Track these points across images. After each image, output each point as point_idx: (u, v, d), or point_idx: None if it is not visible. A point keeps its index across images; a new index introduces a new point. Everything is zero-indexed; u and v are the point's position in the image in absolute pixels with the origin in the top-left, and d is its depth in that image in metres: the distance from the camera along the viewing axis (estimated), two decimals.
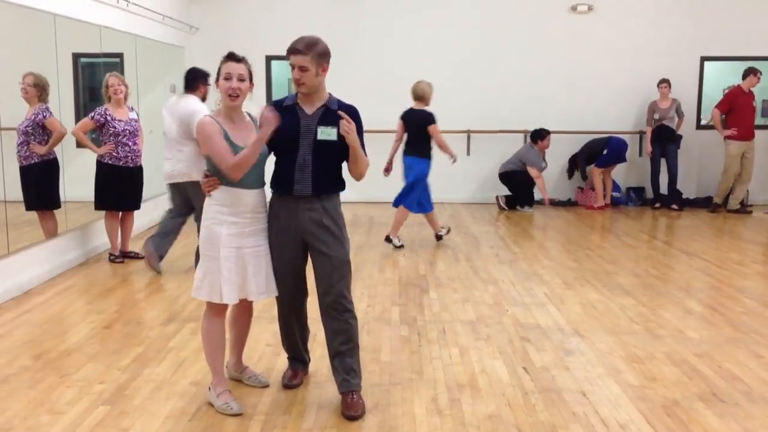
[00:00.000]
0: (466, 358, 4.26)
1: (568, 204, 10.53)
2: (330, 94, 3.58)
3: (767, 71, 9.56)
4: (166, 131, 6.07)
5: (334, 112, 3.48)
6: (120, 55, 8.01)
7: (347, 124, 3.38)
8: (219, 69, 3.45)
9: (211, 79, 4.55)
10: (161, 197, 8.98)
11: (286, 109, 3.52)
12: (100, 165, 6.53)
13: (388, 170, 7.55)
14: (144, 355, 4.26)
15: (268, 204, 3.61)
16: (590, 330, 4.78)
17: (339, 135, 3.46)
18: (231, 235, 3.42)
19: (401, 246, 7.44)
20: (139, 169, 6.78)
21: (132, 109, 6.77)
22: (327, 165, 3.52)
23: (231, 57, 3.47)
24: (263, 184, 3.55)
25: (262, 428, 3.32)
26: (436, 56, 10.39)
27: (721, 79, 10.98)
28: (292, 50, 3.42)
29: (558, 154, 10.57)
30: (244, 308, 3.74)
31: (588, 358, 4.27)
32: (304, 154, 3.47)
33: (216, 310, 3.53)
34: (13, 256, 5.60)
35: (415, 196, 7.40)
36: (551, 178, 10.64)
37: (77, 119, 6.81)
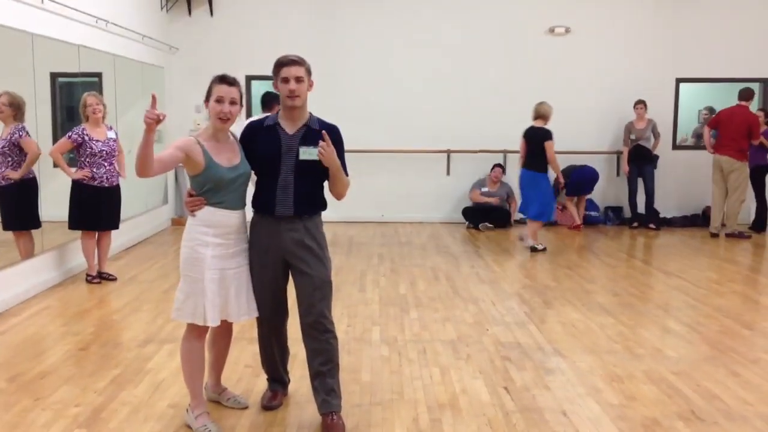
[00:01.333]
0: (446, 377, 4.25)
1: (548, 223, 10.58)
2: (310, 113, 3.57)
3: (737, 92, 9.64)
4: None
5: (315, 131, 3.46)
6: (99, 75, 7.97)
7: (325, 147, 3.36)
8: (210, 89, 3.42)
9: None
10: (141, 216, 8.93)
11: (266, 130, 3.51)
12: (76, 184, 6.45)
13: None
14: (121, 377, 4.20)
15: (249, 224, 3.60)
16: (570, 349, 4.79)
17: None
18: (215, 257, 3.39)
19: (544, 249, 8.30)
20: (116, 189, 6.68)
21: (111, 128, 6.69)
22: (309, 185, 3.50)
23: (224, 80, 3.42)
24: (245, 204, 3.53)
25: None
26: (415, 76, 10.46)
27: (696, 99, 11.17)
28: (287, 62, 3.41)
29: None
30: (224, 330, 3.68)
31: (568, 377, 4.27)
32: (287, 175, 3.45)
33: (197, 332, 3.49)
34: None
35: (537, 206, 8.23)
36: None
37: (55, 139, 6.77)
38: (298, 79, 3.40)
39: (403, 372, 4.33)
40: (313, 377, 3.56)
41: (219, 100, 3.37)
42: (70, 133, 6.38)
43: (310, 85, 3.49)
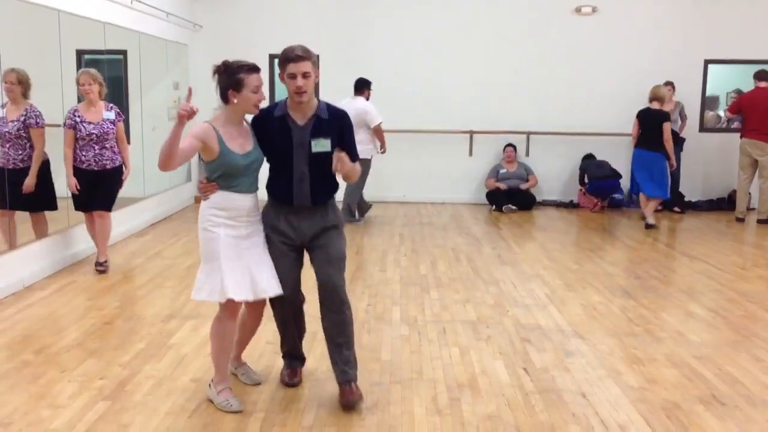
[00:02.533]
0: (466, 358, 4.26)
1: (570, 206, 10.52)
2: (318, 100, 3.55)
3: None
4: None
5: (326, 121, 3.48)
6: (124, 52, 8.01)
7: (341, 163, 3.40)
8: (240, 80, 3.38)
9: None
10: (165, 193, 9.00)
11: (276, 120, 3.50)
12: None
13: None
14: (145, 352, 4.27)
15: (261, 208, 3.63)
16: (591, 331, 4.78)
17: (332, 144, 3.48)
18: (228, 236, 3.45)
19: (654, 225, 8.66)
20: (107, 173, 6.16)
21: (111, 107, 6.20)
22: (324, 174, 3.53)
23: (256, 69, 3.43)
24: (257, 189, 3.58)
25: (261, 426, 3.33)
26: (438, 57, 10.38)
27: (725, 82, 10.97)
28: (294, 58, 3.35)
29: (560, 155, 10.58)
30: (255, 311, 3.72)
31: (588, 359, 4.26)
32: (301, 167, 3.49)
33: (229, 311, 3.51)
34: (14, 252, 5.61)
35: (656, 185, 8.67)
36: (554, 179, 10.64)
37: None
38: (305, 75, 3.36)
39: (422, 352, 4.35)
40: (331, 351, 3.61)
41: (256, 90, 3.40)
42: (65, 121, 6.04)
43: (316, 76, 3.44)
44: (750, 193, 9.49)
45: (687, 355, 4.34)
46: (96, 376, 3.88)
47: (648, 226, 8.68)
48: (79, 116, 6.00)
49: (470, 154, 10.66)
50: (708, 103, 10.79)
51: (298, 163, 3.48)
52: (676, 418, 3.46)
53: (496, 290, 5.79)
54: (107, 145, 6.12)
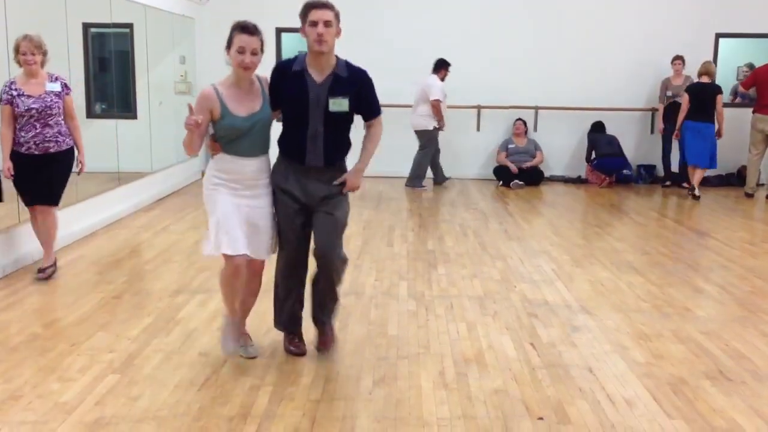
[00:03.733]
0: (473, 333, 4.27)
1: (578, 181, 10.48)
2: (338, 57, 3.52)
3: None
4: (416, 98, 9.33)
5: (343, 79, 3.46)
6: (130, 26, 7.98)
7: (348, 188, 3.59)
8: (231, 37, 3.41)
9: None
10: (173, 168, 8.99)
11: (294, 75, 3.47)
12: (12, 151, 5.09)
13: (677, 136, 9.49)
14: (153, 326, 4.29)
15: (272, 167, 3.65)
16: (598, 307, 4.78)
17: (350, 104, 3.46)
18: (228, 194, 3.50)
19: (699, 197, 9.01)
20: (50, 157, 5.13)
21: (55, 78, 5.20)
22: (338, 134, 3.53)
23: (245, 29, 3.39)
24: (265, 151, 3.58)
25: (269, 399, 3.35)
26: (446, 30, 10.29)
27: (736, 56, 10.84)
28: (318, 4, 3.35)
29: (569, 130, 10.52)
30: (251, 272, 3.70)
31: (595, 334, 4.27)
32: (316, 125, 3.45)
33: (230, 266, 3.54)
34: (23, 226, 5.63)
35: (708, 156, 9.10)
36: (562, 154, 10.59)
37: (87, 90, 6.80)
38: (327, 23, 3.33)
39: (429, 327, 4.37)
40: (315, 308, 3.82)
41: (240, 51, 3.37)
42: (0, 95, 5.04)
43: (338, 31, 3.43)
44: (760, 170, 9.43)
45: (694, 331, 4.34)
46: (105, 349, 3.91)
47: (695, 197, 9.01)
48: (16, 89, 5.01)
49: (478, 129, 10.60)
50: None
51: (314, 121, 3.45)
52: (683, 394, 3.47)
53: (503, 265, 5.79)
54: (51, 122, 5.09)
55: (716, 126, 9.15)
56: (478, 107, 10.50)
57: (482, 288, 5.18)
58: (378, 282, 5.29)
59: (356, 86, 3.51)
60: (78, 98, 6.29)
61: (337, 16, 3.39)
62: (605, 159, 9.99)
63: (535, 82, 10.40)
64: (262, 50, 3.44)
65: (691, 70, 9.93)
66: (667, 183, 10.11)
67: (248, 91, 3.49)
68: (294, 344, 3.85)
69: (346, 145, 3.63)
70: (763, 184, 9.61)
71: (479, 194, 9.35)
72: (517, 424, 3.16)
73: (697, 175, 9.21)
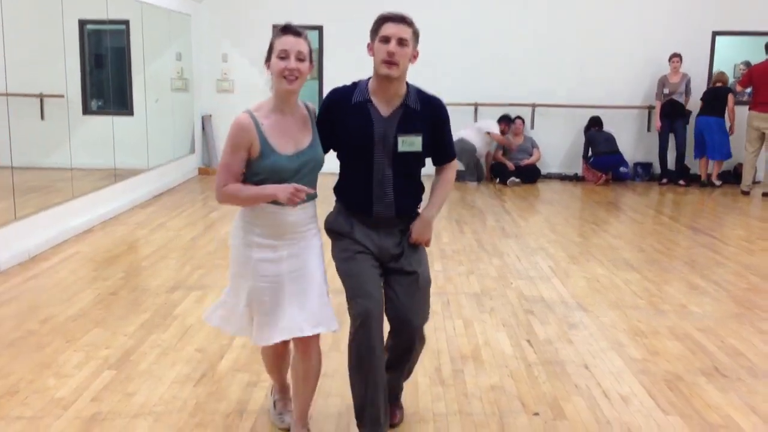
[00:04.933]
0: (470, 329, 4.27)
1: (575, 179, 10.49)
2: (408, 84, 2.85)
3: None
4: None
5: (417, 112, 2.81)
6: (126, 22, 7.96)
7: (415, 239, 2.89)
8: (271, 45, 2.66)
9: None
10: (169, 165, 8.97)
11: (354, 107, 2.80)
12: None
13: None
14: (150, 322, 4.29)
15: (316, 215, 2.86)
16: (594, 304, 4.79)
17: (425, 143, 2.83)
18: (262, 261, 2.71)
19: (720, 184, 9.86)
20: None
21: None
22: (411, 179, 2.92)
23: (288, 30, 2.64)
24: (314, 196, 2.76)
25: (266, 395, 3.34)
26: (444, 28, 10.27)
27: (732, 54, 10.86)
28: (394, 17, 2.72)
29: (565, 127, 10.52)
30: (307, 350, 2.79)
31: (591, 331, 4.28)
32: (382, 168, 2.80)
33: (272, 348, 2.92)
34: (19, 222, 5.62)
35: (727, 148, 9.77)
36: (559, 152, 10.60)
37: (83, 87, 6.78)
38: (401, 42, 2.68)
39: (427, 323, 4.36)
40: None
41: (283, 56, 2.60)
42: None
43: (415, 55, 2.77)
44: (756, 167, 9.46)
45: (690, 328, 4.35)
46: (101, 345, 3.90)
47: (714, 186, 9.78)
48: None
49: None
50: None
51: (379, 163, 2.79)
52: (678, 390, 3.48)
53: (499, 262, 5.80)
54: None
55: (728, 123, 9.70)
56: (476, 105, 10.50)
57: (479, 285, 5.18)
58: None
59: (430, 121, 2.86)
60: (74, 95, 6.29)
61: (416, 35, 2.75)
62: (602, 157, 10.00)
63: (533, 80, 10.40)
64: (311, 59, 2.68)
65: (688, 68, 9.95)
66: (664, 180, 10.12)
67: (294, 120, 2.73)
68: None
69: (420, 190, 2.98)
70: (759, 182, 9.62)
71: (476, 191, 9.35)
72: (512, 420, 3.16)
73: (716, 168, 9.91)
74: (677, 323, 4.43)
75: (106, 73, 8.05)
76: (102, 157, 7.29)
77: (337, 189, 2.95)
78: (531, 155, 10.21)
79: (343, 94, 2.85)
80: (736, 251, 6.31)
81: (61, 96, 6.21)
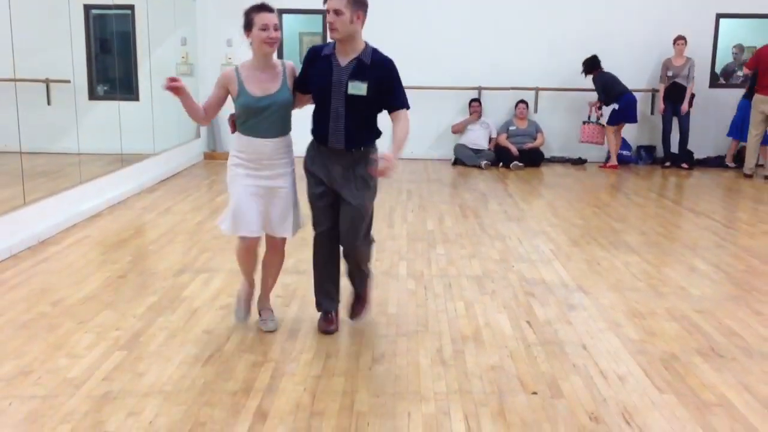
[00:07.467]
0: (471, 311, 4.36)
1: (578, 162, 10.53)
2: (367, 44, 3.66)
3: None
4: None
5: (367, 66, 3.58)
6: (131, 7, 8.01)
7: (378, 170, 3.52)
8: (250, 19, 3.59)
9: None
10: (175, 149, 9.04)
11: (322, 59, 3.64)
12: None
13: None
14: (158, 304, 4.38)
15: (292, 149, 3.80)
16: (594, 286, 4.86)
17: (369, 89, 3.56)
18: (247, 176, 3.67)
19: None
20: None
21: None
22: (360, 118, 3.63)
23: (264, 7, 3.60)
24: (284, 133, 3.72)
25: (271, 374, 3.44)
26: (447, 12, 10.29)
27: (733, 36, 10.83)
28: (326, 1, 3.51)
29: (568, 111, 10.55)
30: (272, 248, 3.94)
31: (590, 313, 4.36)
32: (337, 107, 3.59)
33: (243, 244, 3.80)
34: (29, 207, 5.71)
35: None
36: (562, 135, 10.63)
37: (89, 72, 6.85)
38: (336, 12, 3.48)
39: (428, 305, 4.45)
40: (348, 279, 4.04)
41: (264, 28, 3.56)
42: None
43: (359, 17, 3.54)
44: (759, 150, 9.47)
45: (687, 309, 4.42)
46: (112, 327, 4.00)
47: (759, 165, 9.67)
48: None
49: None
50: None
51: (335, 103, 3.58)
52: (674, 370, 3.56)
53: (501, 246, 5.87)
54: None
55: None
56: (479, 88, 10.53)
57: (481, 268, 5.26)
58: (378, 262, 5.36)
59: (378, 74, 3.61)
60: (80, 80, 6.35)
61: (350, 2, 3.49)
62: (625, 96, 9.74)
63: (536, 64, 10.41)
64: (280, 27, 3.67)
65: (692, 51, 9.94)
66: (667, 164, 10.16)
67: (268, 73, 3.66)
68: (327, 321, 3.96)
69: (371, 132, 3.73)
70: (762, 165, 9.65)
71: (479, 175, 9.40)
72: (511, 398, 3.25)
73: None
74: (675, 305, 4.50)
75: (112, 58, 8.10)
76: (109, 142, 7.36)
77: (311, 123, 3.74)
78: (535, 139, 10.25)
79: (317, 49, 3.72)
80: (736, 234, 6.37)
81: (68, 81, 6.27)
